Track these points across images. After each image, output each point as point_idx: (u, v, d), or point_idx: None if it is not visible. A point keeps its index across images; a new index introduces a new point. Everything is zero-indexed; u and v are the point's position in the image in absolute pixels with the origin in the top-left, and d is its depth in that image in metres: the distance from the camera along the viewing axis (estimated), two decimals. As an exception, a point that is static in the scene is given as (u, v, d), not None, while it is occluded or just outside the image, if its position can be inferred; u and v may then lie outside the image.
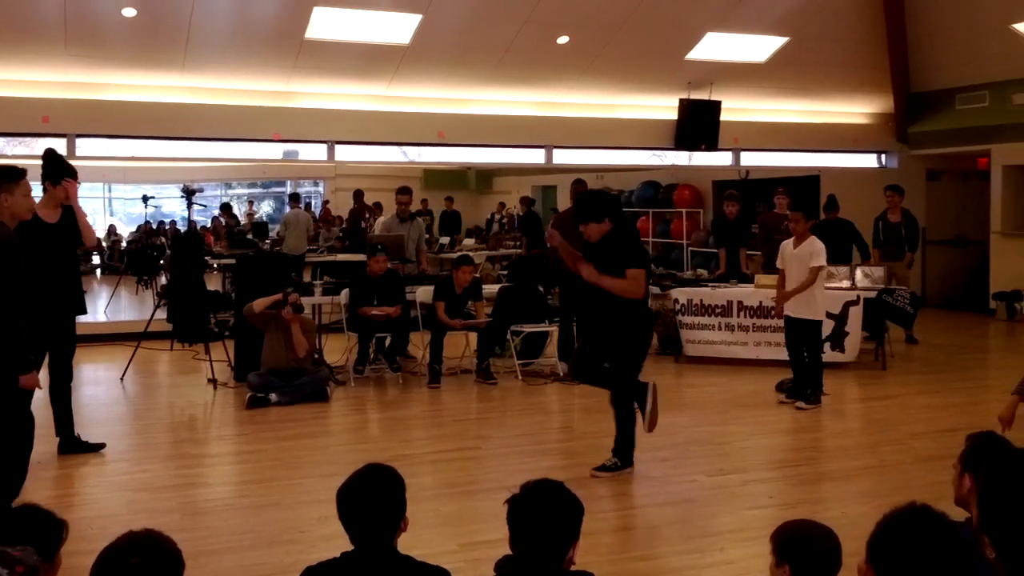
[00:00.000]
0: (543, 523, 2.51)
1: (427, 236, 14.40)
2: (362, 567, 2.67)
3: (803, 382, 8.05)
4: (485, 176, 25.23)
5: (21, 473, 5.14)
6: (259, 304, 8.19)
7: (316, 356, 8.85)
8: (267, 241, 15.70)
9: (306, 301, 8.96)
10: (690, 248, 16.91)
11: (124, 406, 8.37)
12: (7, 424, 4.84)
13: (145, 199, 14.64)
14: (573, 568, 2.61)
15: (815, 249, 7.94)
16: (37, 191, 5.74)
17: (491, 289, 10.09)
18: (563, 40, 11.93)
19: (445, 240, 18.97)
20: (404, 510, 2.80)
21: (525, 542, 2.52)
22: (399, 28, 11.22)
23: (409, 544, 4.59)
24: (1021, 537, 1.75)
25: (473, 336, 9.50)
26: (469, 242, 18.98)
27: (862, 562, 2.14)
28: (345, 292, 9.26)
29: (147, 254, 15.62)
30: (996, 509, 1.80)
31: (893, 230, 11.48)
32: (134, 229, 22.11)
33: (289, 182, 27.01)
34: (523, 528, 2.53)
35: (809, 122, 14.73)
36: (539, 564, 2.51)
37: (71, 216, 6.29)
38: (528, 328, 9.52)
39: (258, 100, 11.83)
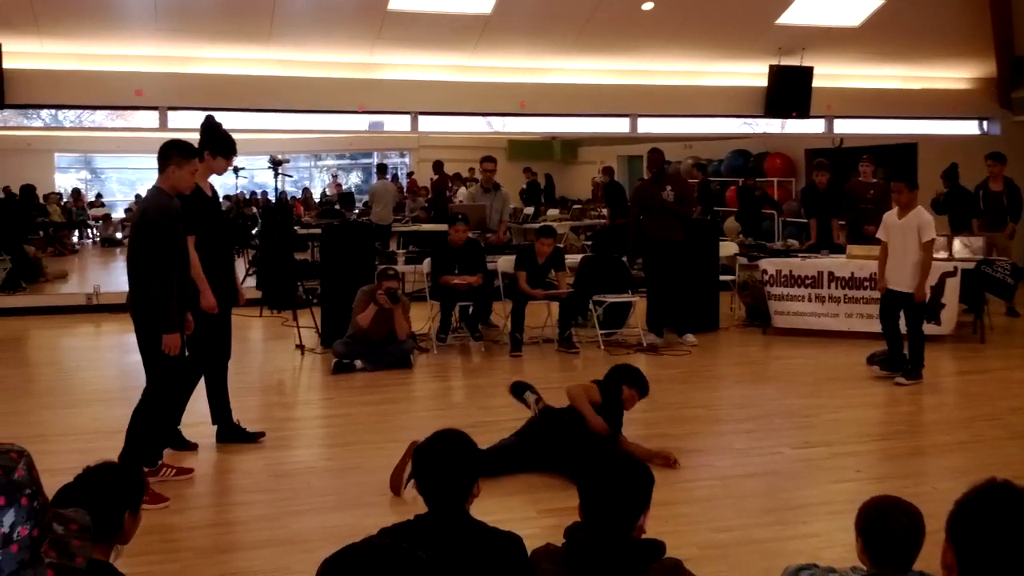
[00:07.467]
0: (614, 492, 2.49)
1: (512, 206, 14.37)
2: (434, 530, 2.68)
3: (900, 356, 7.77)
4: (570, 146, 25.04)
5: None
6: (363, 318, 8.14)
7: (414, 335, 8.87)
8: (354, 211, 15.88)
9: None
10: (782, 218, 16.53)
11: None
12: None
13: (236, 170, 14.90)
14: (644, 536, 2.57)
15: (923, 222, 7.57)
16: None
17: (573, 259, 10.03)
18: (648, 7, 11.69)
19: (529, 210, 18.92)
20: (477, 476, 2.80)
21: (595, 509, 2.50)
22: (481, -3, 11.16)
23: (488, 510, 4.60)
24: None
25: (555, 306, 9.46)
26: (554, 212, 18.88)
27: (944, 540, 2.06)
28: (427, 261, 9.31)
29: (238, 224, 15.97)
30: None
31: (994, 199, 11.06)
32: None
33: (376, 153, 27.29)
34: (593, 496, 2.50)
35: (906, 88, 14.18)
36: (609, 531, 2.48)
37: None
38: (610, 298, 9.43)
39: (342, 72, 11.92)
